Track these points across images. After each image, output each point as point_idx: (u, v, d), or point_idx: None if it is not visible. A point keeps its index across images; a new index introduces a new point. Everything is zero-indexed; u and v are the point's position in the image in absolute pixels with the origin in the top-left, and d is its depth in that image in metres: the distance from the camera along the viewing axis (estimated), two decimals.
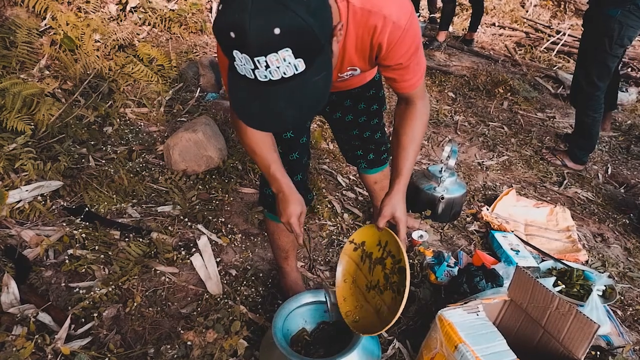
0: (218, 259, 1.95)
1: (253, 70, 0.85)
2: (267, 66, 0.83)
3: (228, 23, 0.82)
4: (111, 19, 3.68)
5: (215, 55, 3.97)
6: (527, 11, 6.60)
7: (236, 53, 0.84)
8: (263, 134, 1.30)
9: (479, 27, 6.01)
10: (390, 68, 1.21)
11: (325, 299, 1.51)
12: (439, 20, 5.53)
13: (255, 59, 0.83)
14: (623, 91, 4.27)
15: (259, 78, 0.86)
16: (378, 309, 1.35)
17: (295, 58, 0.84)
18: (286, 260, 1.76)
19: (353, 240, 1.46)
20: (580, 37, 2.99)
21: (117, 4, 3.77)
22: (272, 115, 0.94)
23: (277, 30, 0.80)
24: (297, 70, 0.86)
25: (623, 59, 3.60)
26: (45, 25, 3.18)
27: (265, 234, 2.13)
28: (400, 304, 1.21)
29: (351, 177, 2.68)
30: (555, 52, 5.37)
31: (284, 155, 1.51)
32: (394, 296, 1.29)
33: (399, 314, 1.23)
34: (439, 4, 5.46)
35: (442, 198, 2.27)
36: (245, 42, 0.81)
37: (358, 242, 1.45)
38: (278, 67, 0.84)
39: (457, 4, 5.23)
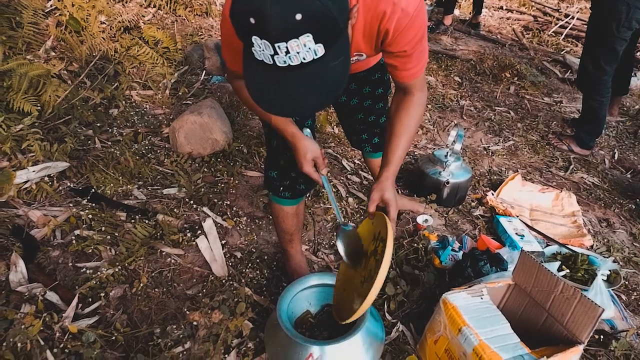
0: (223, 242, 1.96)
1: (272, 56, 0.84)
2: (287, 52, 0.83)
3: (247, 8, 0.81)
4: (117, 0, 3.65)
5: (220, 38, 3.95)
6: None
7: (255, 39, 0.82)
8: None
9: (486, 10, 5.92)
10: (394, 55, 1.20)
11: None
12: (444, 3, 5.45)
13: (276, 44, 0.81)
14: (632, 76, 4.20)
15: (278, 64, 0.85)
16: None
17: (315, 43, 0.83)
18: (290, 243, 1.77)
19: None
20: (588, 20, 2.94)
21: None
22: (291, 101, 0.94)
23: (298, 16, 0.79)
24: (316, 55, 0.85)
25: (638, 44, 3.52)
26: (51, 6, 3.16)
27: (270, 217, 2.14)
28: (376, 276, 1.09)
29: (356, 161, 2.67)
30: (563, 36, 5.29)
31: None
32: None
33: (374, 288, 1.09)
34: None
35: (447, 183, 2.26)
36: (266, 28, 0.80)
37: None
38: (298, 53, 0.83)
39: None
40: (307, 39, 0.82)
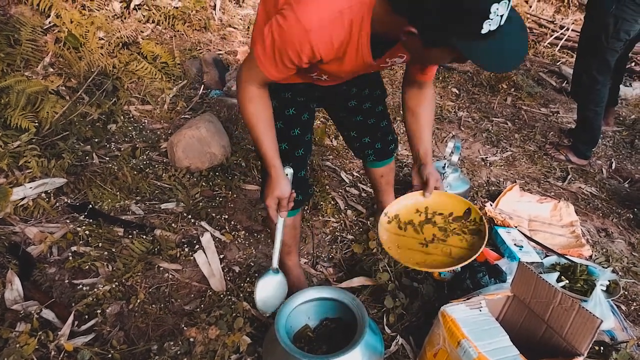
0: (221, 256, 1.96)
1: (501, 17, 0.96)
2: (507, 6, 0.96)
3: None
4: (115, 16, 3.68)
5: (220, 52, 3.98)
6: (530, 6, 6.56)
7: (494, 6, 0.92)
8: (270, 113, 1.34)
9: None
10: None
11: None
12: None
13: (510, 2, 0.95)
14: (627, 85, 4.24)
15: (500, 23, 0.97)
16: (448, 253, 1.44)
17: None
18: (289, 255, 1.76)
19: (387, 213, 1.55)
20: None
21: (121, 2, 3.78)
22: (517, 48, 1.05)
23: None
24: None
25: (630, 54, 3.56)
26: (50, 23, 3.19)
27: (269, 230, 2.14)
28: (485, 235, 1.41)
29: (354, 173, 2.68)
30: (558, 47, 5.33)
31: (291, 151, 1.53)
32: (462, 237, 1.46)
33: (485, 240, 1.39)
34: None
35: None
36: None
37: (391, 216, 1.55)
38: (507, 7, 0.96)
39: None
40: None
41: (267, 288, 1.45)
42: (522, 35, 1.06)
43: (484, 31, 0.95)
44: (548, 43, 5.43)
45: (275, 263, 1.45)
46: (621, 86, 3.65)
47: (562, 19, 6.21)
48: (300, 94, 1.54)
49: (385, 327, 1.67)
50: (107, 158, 2.47)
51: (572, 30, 5.47)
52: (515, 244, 2.09)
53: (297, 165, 1.54)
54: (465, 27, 0.96)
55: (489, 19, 0.93)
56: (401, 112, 1.78)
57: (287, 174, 1.41)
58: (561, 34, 5.48)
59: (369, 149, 1.91)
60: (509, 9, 0.96)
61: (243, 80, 1.29)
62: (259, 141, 1.33)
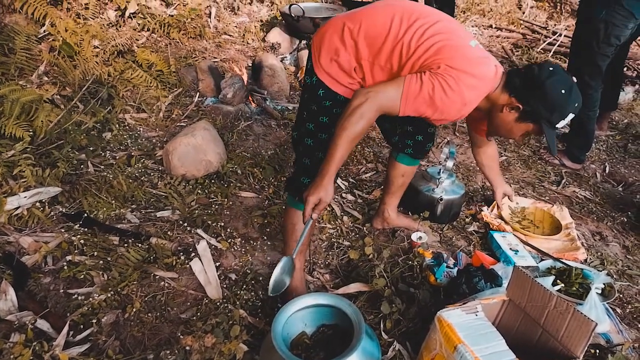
0: (217, 264, 1.95)
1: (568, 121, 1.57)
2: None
3: (578, 100, 1.53)
4: (110, 24, 3.70)
5: (215, 60, 3.99)
6: (523, 13, 6.62)
7: (570, 115, 1.53)
8: (360, 135, 1.44)
9: (476, 28, 6.03)
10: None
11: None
12: None
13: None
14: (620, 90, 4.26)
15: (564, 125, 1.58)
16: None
17: None
18: (299, 254, 1.75)
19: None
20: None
21: (116, 10, 3.79)
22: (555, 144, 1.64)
23: None
24: None
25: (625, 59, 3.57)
26: (44, 31, 3.20)
27: (265, 237, 2.14)
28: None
29: (350, 180, 2.68)
30: (552, 52, 5.38)
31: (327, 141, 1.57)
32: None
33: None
34: (436, 6, 5.46)
35: (441, 199, 2.27)
36: (578, 103, 1.54)
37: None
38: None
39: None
40: None
41: (281, 272, 1.44)
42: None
43: (558, 125, 1.53)
44: (541, 49, 5.47)
45: (295, 253, 1.45)
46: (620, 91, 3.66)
47: (555, 24, 6.27)
48: None
49: (382, 333, 1.67)
50: (102, 166, 2.47)
51: (565, 36, 5.52)
52: (510, 249, 2.09)
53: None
54: (551, 117, 1.52)
55: (564, 119, 1.52)
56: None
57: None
58: (554, 39, 5.52)
59: (410, 139, 1.96)
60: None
61: (372, 99, 1.39)
62: (338, 151, 1.38)
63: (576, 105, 1.51)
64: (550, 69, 1.50)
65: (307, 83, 1.62)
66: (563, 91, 1.48)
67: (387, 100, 1.42)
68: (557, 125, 1.52)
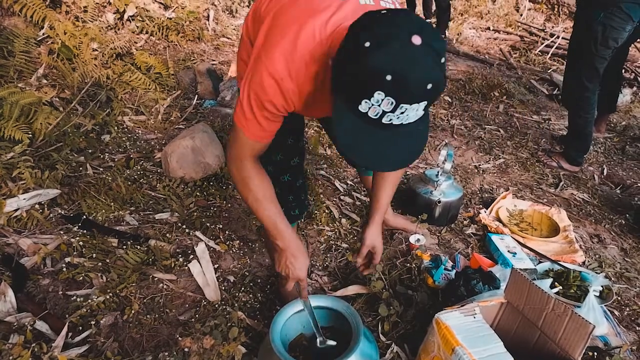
0: (216, 266, 1.95)
1: (384, 113, 0.87)
2: (402, 112, 0.86)
3: (389, 67, 0.82)
4: (109, 27, 3.70)
5: (213, 62, 3.99)
6: (521, 15, 6.65)
7: (379, 94, 0.84)
8: (269, 186, 1.28)
9: (473, 31, 6.05)
10: None
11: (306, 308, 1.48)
12: (434, 26, 5.57)
13: (400, 105, 0.85)
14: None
15: (383, 120, 0.88)
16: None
17: (423, 109, 0.89)
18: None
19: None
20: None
21: (114, 13, 3.80)
22: (388, 152, 0.96)
23: (429, 86, 0.84)
24: (416, 118, 0.90)
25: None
26: (43, 34, 3.20)
27: (263, 239, 2.14)
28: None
29: (349, 182, 2.69)
30: (549, 54, 5.40)
31: (286, 160, 1.53)
32: None
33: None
34: (435, 8, 5.49)
35: (439, 202, 2.28)
36: (400, 89, 0.83)
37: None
38: (408, 115, 0.87)
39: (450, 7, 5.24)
40: (422, 105, 0.87)
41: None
42: (390, 150, 0.95)
43: (361, 108, 0.88)
44: (539, 51, 5.50)
45: (319, 336, 1.44)
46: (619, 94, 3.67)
47: (553, 27, 6.30)
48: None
49: (380, 335, 1.67)
50: (101, 169, 2.47)
51: (563, 38, 5.55)
52: (508, 251, 2.10)
53: (295, 173, 1.55)
54: (348, 93, 0.91)
55: (369, 100, 0.86)
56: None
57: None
58: (552, 41, 5.55)
59: None
60: (400, 115, 0.87)
61: (234, 159, 1.24)
62: (264, 219, 1.29)
63: None
64: None
65: None
66: None
67: (233, 136, 1.24)
68: (361, 108, 0.90)
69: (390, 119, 0.88)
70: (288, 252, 1.33)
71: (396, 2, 1.18)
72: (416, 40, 0.82)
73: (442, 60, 0.86)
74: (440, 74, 0.85)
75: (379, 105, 0.86)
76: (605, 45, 2.64)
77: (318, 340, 1.45)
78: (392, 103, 0.85)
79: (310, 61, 1.04)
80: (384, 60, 0.82)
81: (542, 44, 5.58)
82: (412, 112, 0.87)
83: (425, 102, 0.87)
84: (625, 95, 4.27)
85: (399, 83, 0.82)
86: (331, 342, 1.46)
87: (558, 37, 5.60)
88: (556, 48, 5.44)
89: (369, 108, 0.87)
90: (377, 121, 0.88)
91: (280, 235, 1.31)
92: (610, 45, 2.64)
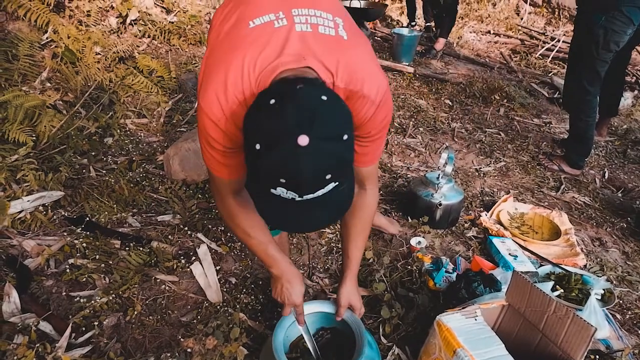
0: (218, 267, 1.96)
1: (294, 198, 0.86)
2: (311, 194, 0.86)
3: (279, 171, 0.83)
4: (111, 31, 3.72)
5: None
6: (521, 18, 6.67)
7: (281, 189, 0.85)
8: (254, 215, 1.19)
9: (474, 34, 6.06)
10: (357, 138, 1.17)
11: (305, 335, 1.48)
12: (434, 29, 5.58)
13: (304, 196, 0.86)
14: None
15: (297, 199, 0.87)
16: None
17: (334, 182, 0.87)
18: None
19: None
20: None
21: (117, 17, 3.82)
22: (308, 222, 0.97)
23: (328, 176, 0.84)
24: (331, 188, 0.88)
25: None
26: (47, 38, 3.23)
27: None
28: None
29: None
30: (550, 58, 5.41)
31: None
32: None
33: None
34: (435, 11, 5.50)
35: (440, 204, 2.29)
36: (296, 189, 0.84)
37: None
38: (319, 194, 0.87)
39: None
40: (330, 186, 0.87)
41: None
42: (314, 216, 0.93)
43: (273, 191, 0.88)
44: (539, 54, 5.51)
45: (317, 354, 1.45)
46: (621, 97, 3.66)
47: (553, 30, 6.31)
48: None
49: (382, 337, 1.68)
50: (104, 171, 2.48)
51: (563, 41, 5.56)
52: (509, 254, 2.10)
53: None
54: (257, 179, 0.91)
55: (276, 190, 0.87)
56: None
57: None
58: (552, 45, 5.57)
59: None
60: (311, 196, 0.87)
61: (216, 197, 1.25)
62: (256, 250, 1.31)
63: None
64: None
65: None
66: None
67: (210, 176, 1.24)
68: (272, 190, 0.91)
69: (303, 198, 0.87)
70: (283, 279, 1.34)
71: (338, 25, 1.12)
72: (303, 141, 0.80)
73: (344, 137, 0.86)
74: (339, 153, 0.85)
75: (285, 195, 0.86)
76: (607, 49, 2.65)
77: None
78: (294, 194, 0.86)
79: (243, 101, 1.02)
80: (273, 166, 0.83)
81: (543, 47, 5.59)
82: (322, 191, 0.87)
83: (332, 184, 0.86)
84: (627, 99, 4.28)
85: (293, 184, 0.83)
86: None
87: (559, 40, 5.62)
88: (557, 52, 5.45)
89: (281, 193, 0.87)
90: (291, 201, 0.88)
91: (274, 263, 1.32)
92: (611, 49, 2.65)
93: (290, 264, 1.36)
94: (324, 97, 0.86)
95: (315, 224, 1.00)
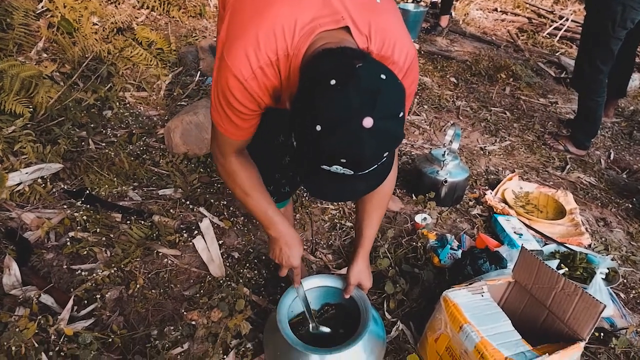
0: (220, 242, 1.94)
1: (345, 173, 0.85)
2: (366, 171, 0.86)
3: (341, 151, 0.81)
4: (109, 1, 3.63)
5: (216, 39, 3.92)
6: None
7: (337, 167, 0.84)
8: (256, 176, 1.25)
9: (480, 12, 5.95)
10: None
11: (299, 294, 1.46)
12: (439, 5, 5.47)
13: (359, 172, 0.85)
14: None
15: (346, 174, 0.86)
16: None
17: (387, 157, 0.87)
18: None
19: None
20: (583, 21, 2.95)
21: None
22: (350, 192, 0.96)
23: (386, 153, 0.85)
24: (382, 161, 0.87)
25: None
26: (42, 7, 3.13)
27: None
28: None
29: None
30: (557, 37, 5.32)
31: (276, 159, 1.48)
32: None
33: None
34: None
35: (445, 182, 2.26)
36: (356, 166, 0.83)
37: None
38: (372, 168, 0.86)
39: None
40: (383, 159, 0.87)
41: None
42: (359, 187, 0.93)
43: (323, 167, 0.86)
44: (547, 33, 5.41)
45: (312, 322, 1.45)
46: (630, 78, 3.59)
47: (562, 9, 6.19)
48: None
49: (386, 313, 1.67)
50: (104, 144, 2.44)
51: (572, 20, 5.46)
52: (514, 232, 2.09)
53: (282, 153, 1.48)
54: (308, 158, 0.88)
55: (329, 167, 0.85)
56: None
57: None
58: (560, 24, 5.47)
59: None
60: (357, 171, 0.85)
61: (217, 155, 1.22)
62: (254, 210, 1.28)
63: None
64: None
65: None
66: None
67: (213, 132, 1.21)
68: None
69: (356, 174, 0.87)
70: (281, 241, 1.32)
71: None
72: (367, 123, 0.78)
73: (400, 115, 0.84)
74: (397, 131, 0.85)
75: (339, 170, 0.85)
76: (623, 26, 2.59)
77: (310, 326, 1.44)
78: (352, 171, 0.85)
79: (276, 61, 0.98)
80: (337, 146, 0.81)
81: (551, 26, 5.49)
82: (374, 167, 0.87)
83: (387, 156, 0.87)
84: (635, 80, 4.22)
85: (353, 163, 0.82)
86: (325, 329, 1.45)
87: (567, 19, 5.51)
88: (565, 31, 5.36)
89: (334, 170, 0.85)
90: (341, 175, 0.86)
91: (272, 225, 1.30)
92: (627, 26, 2.59)
93: (289, 226, 1.33)
94: (383, 76, 0.83)
95: (356, 194, 0.99)
